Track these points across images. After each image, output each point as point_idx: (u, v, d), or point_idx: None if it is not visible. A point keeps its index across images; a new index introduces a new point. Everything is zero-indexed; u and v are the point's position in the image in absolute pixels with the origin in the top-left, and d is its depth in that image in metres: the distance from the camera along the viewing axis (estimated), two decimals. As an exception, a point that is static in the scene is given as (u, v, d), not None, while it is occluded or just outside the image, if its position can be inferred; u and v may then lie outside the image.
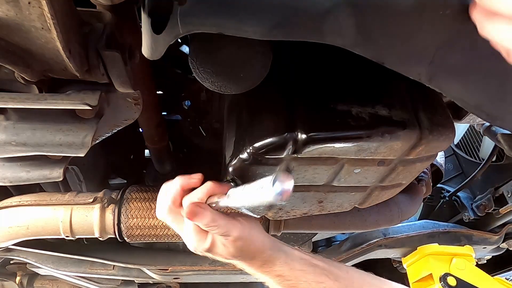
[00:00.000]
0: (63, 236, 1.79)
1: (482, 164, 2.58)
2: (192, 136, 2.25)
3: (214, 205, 1.24)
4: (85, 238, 2.22)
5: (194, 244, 1.32)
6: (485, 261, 3.08)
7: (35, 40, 0.95)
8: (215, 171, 1.57)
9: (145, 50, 0.94)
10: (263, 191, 0.96)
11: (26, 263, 2.48)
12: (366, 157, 1.30)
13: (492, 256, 3.03)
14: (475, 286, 2.40)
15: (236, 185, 1.36)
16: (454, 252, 2.61)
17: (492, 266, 3.13)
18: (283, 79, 1.32)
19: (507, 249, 2.91)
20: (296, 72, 1.36)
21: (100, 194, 1.82)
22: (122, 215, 1.77)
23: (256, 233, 1.33)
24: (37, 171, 1.51)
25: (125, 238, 1.81)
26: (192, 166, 2.40)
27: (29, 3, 0.83)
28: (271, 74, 1.16)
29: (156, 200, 1.56)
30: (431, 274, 2.52)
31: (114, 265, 2.44)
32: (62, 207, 1.76)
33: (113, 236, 1.81)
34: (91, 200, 1.78)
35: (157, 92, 1.90)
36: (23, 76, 1.09)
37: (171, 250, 2.41)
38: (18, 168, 1.51)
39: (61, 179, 1.53)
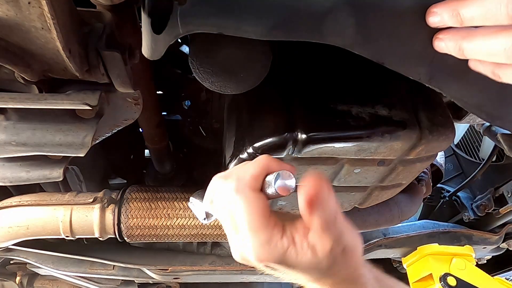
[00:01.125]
0: (63, 236, 1.79)
1: (482, 164, 2.57)
2: (192, 136, 2.25)
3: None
4: (85, 238, 2.22)
5: (256, 249, 0.84)
6: (485, 261, 3.07)
7: (35, 40, 0.95)
8: (215, 171, 1.56)
9: (145, 50, 0.94)
10: (268, 188, 0.90)
11: (26, 263, 2.48)
12: (366, 157, 1.30)
13: (492, 256, 3.02)
14: (475, 286, 2.40)
15: None
16: (454, 252, 2.61)
17: (492, 266, 3.12)
18: (283, 79, 1.32)
19: (507, 249, 2.90)
20: (296, 72, 1.36)
21: (100, 194, 1.82)
22: (122, 215, 1.78)
23: (357, 235, 0.94)
24: (37, 171, 1.51)
25: (125, 238, 1.81)
26: (192, 166, 2.42)
27: (29, 3, 0.83)
28: (271, 74, 1.15)
29: (156, 200, 1.55)
30: (431, 274, 2.52)
31: (114, 265, 2.44)
32: (62, 207, 1.77)
33: (113, 236, 1.82)
34: (91, 200, 1.79)
35: (157, 92, 1.90)
36: (23, 76, 1.08)
37: (171, 250, 2.40)
38: (18, 168, 1.51)
39: (61, 179, 1.52)
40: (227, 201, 0.89)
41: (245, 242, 0.86)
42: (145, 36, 0.91)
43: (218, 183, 0.94)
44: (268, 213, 0.86)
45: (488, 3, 0.74)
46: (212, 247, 2.36)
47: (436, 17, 0.84)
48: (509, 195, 2.46)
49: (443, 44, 0.86)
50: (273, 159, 0.93)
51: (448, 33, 0.85)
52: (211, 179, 1.12)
